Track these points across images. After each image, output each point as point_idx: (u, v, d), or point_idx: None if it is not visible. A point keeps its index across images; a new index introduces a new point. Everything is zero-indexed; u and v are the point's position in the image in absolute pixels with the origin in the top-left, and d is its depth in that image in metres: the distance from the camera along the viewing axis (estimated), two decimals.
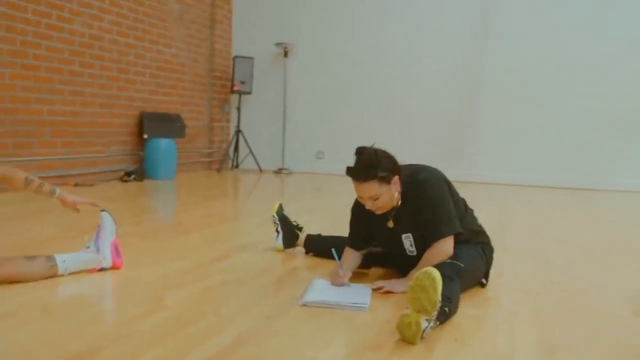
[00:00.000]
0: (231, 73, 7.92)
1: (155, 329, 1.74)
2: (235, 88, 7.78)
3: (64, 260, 2.26)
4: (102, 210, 2.47)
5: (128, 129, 6.44)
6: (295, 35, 7.90)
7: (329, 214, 4.27)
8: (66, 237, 3.11)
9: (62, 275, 2.25)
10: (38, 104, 5.27)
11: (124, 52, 6.35)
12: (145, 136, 6.34)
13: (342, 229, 2.45)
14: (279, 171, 7.82)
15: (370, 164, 2.07)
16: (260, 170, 7.87)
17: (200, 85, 7.84)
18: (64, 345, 1.59)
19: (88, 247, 2.40)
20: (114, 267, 2.41)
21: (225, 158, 7.99)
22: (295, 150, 7.99)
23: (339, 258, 2.25)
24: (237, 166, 8.06)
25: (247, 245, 3.02)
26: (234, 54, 8.21)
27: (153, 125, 6.49)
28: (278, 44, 7.81)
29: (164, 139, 6.39)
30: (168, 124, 6.77)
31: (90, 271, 2.34)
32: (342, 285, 2.16)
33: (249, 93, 7.97)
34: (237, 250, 2.89)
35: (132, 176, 6.03)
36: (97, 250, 2.38)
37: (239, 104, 7.93)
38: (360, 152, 2.11)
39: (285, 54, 7.84)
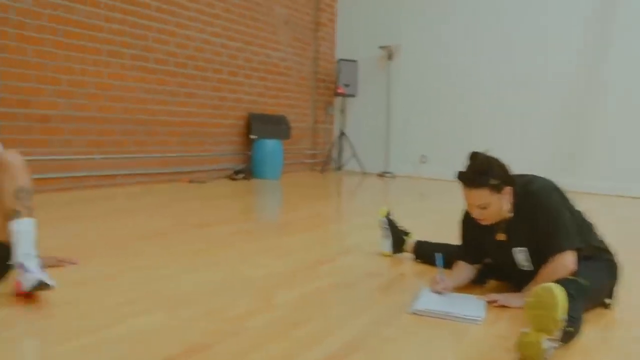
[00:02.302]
0: (335, 76, 7.98)
1: (265, 327, 1.76)
2: (339, 91, 7.82)
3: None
4: None
5: (237, 129, 6.68)
6: (399, 37, 7.80)
7: (433, 220, 4.16)
8: (179, 229, 3.25)
9: None
10: (156, 104, 5.60)
11: (234, 55, 6.58)
12: (253, 137, 6.55)
13: (447, 236, 2.36)
14: (382, 174, 7.76)
15: (482, 171, 1.98)
16: (364, 172, 7.85)
17: (305, 88, 7.97)
18: (180, 337, 1.65)
19: None
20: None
21: (328, 160, 8.06)
22: (398, 154, 7.89)
23: (446, 265, 2.18)
24: (340, 168, 8.11)
25: (352, 248, 3.01)
26: (338, 57, 8.27)
27: (260, 126, 6.68)
28: (382, 47, 7.77)
29: (270, 140, 6.56)
30: (274, 125, 6.95)
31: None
32: (440, 292, 2.08)
33: (353, 96, 7.99)
34: (342, 253, 2.88)
35: (241, 175, 6.26)
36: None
37: (343, 106, 7.97)
38: (474, 157, 2.03)
39: (390, 56, 7.77)
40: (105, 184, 5.12)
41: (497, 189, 1.98)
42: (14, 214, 1.84)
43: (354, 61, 7.93)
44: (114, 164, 5.21)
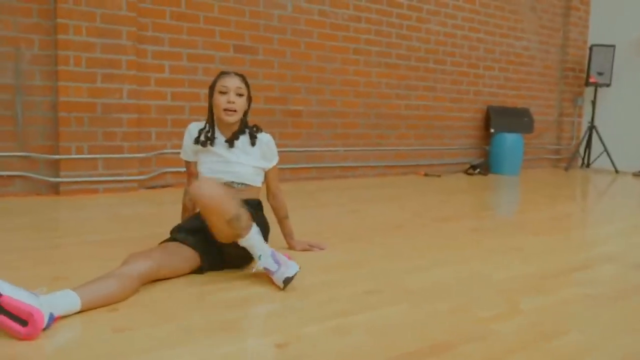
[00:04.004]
0: (586, 64, 7.25)
1: (512, 334, 1.68)
2: (591, 80, 7.09)
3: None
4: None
5: (475, 123, 6.52)
6: None
7: None
8: (418, 222, 3.30)
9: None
10: (397, 99, 5.76)
11: (474, 47, 6.42)
12: (492, 130, 6.32)
13: None
14: (639, 174, 6.84)
15: None
16: (616, 171, 7.02)
17: (550, 78, 7.40)
18: (423, 332, 1.67)
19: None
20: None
21: (574, 156, 7.38)
22: None
23: None
24: (587, 165, 7.37)
25: (610, 256, 2.71)
26: (590, 42, 7.49)
27: (500, 119, 6.42)
28: None
29: (510, 134, 6.26)
30: (515, 119, 6.61)
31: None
32: None
33: (607, 85, 7.17)
34: (598, 261, 2.61)
35: (477, 170, 6.10)
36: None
37: (594, 97, 7.21)
38: None
39: None
40: (347, 174, 5.46)
41: None
42: (238, 237, 2.03)
43: (610, 46, 7.10)
44: (356, 156, 5.52)
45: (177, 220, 2.60)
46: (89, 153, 4.03)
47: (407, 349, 1.54)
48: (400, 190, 4.78)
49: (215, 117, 2.37)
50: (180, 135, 4.43)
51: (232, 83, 2.29)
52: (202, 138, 2.35)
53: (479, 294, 2.06)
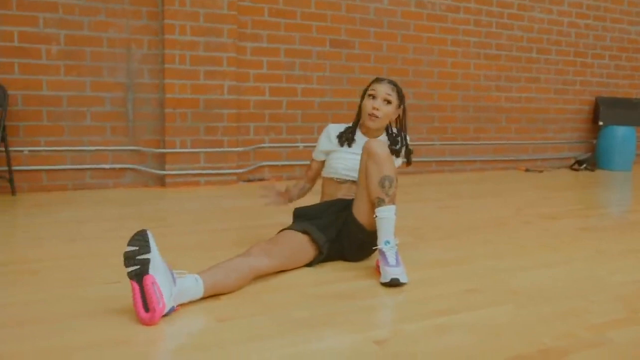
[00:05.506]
0: None
1: (631, 343, 1.56)
2: None
3: None
4: None
5: (582, 115, 6.14)
6: None
7: None
8: (521, 219, 3.15)
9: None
10: (497, 91, 5.54)
11: (582, 34, 6.03)
12: (601, 123, 5.92)
13: None
14: None
15: None
16: None
17: None
18: (531, 335, 1.58)
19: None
20: None
21: None
22: None
23: None
24: None
25: None
26: None
27: (610, 111, 6.00)
28: None
29: (621, 127, 5.83)
30: (628, 110, 6.15)
31: None
32: None
33: None
34: None
35: (584, 165, 5.75)
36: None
37: None
38: None
39: None
40: (444, 169, 5.33)
41: None
42: (377, 201, 2.03)
43: None
44: (453, 150, 5.37)
45: (275, 214, 2.65)
46: (192, 147, 4.21)
47: (514, 353, 1.47)
48: (501, 186, 4.60)
49: (360, 120, 2.37)
50: (278, 130, 4.55)
51: (382, 89, 2.28)
52: (343, 137, 2.35)
53: (592, 298, 1.92)
